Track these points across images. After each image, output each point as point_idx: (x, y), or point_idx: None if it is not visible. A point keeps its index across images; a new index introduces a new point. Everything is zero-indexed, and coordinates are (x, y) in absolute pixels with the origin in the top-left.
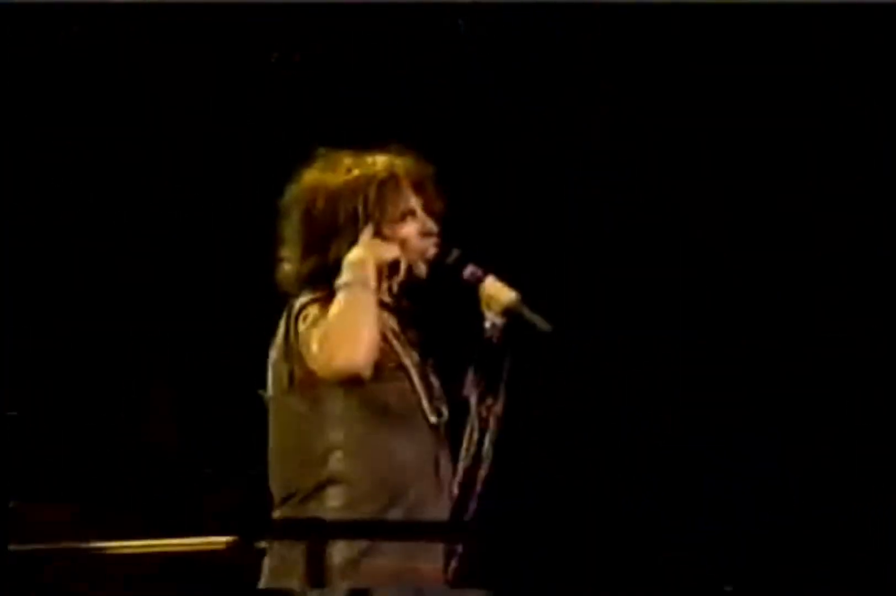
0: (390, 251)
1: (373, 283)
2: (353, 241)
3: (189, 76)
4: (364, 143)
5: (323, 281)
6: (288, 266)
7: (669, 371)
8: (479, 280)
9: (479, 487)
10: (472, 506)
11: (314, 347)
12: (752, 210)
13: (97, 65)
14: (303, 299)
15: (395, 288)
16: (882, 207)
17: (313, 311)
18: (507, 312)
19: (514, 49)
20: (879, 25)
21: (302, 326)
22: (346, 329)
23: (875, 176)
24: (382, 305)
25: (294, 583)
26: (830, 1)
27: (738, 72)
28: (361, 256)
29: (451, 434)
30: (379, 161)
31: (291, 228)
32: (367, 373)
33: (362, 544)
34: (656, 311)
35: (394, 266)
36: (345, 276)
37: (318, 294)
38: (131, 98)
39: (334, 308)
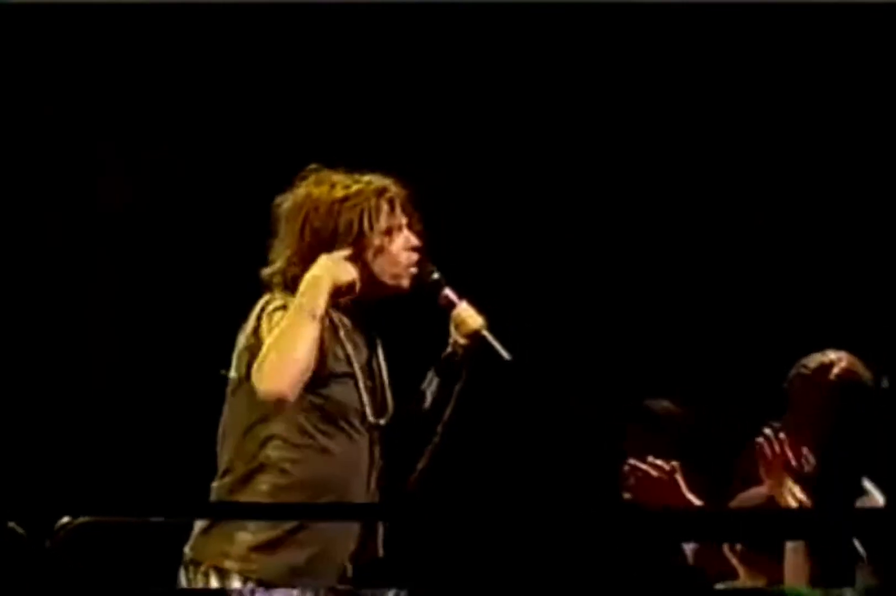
0: (348, 273)
1: (322, 304)
2: None
3: (187, 78)
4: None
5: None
6: (278, 265)
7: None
8: (454, 304)
9: (415, 481)
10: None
11: (255, 366)
12: (750, 213)
13: (97, 65)
14: (276, 303)
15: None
16: (882, 207)
17: (277, 317)
18: (473, 335)
19: (513, 49)
20: (879, 25)
21: (265, 327)
22: (279, 357)
23: (875, 176)
24: (339, 307)
25: (223, 560)
26: (830, 1)
27: (738, 72)
28: (318, 275)
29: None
30: (372, 179)
31: (287, 234)
32: (291, 397)
33: (276, 531)
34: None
35: (349, 286)
36: (299, 297)
37: (287, 299)
38: (130, 98)
39: (277, 331)
